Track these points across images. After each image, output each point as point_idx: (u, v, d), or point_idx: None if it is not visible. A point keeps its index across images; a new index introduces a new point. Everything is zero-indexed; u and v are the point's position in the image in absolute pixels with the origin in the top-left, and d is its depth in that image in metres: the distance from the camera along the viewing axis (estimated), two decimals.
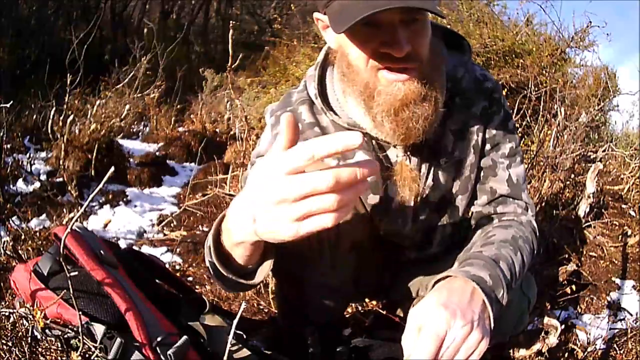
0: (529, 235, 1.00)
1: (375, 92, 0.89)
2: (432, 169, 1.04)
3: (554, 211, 2.23)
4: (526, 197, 1.08)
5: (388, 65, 0.86)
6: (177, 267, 2.05)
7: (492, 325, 0.80)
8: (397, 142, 0.96)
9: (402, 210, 1.08)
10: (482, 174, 1.08)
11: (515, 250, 0.93)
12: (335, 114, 1.01)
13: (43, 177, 2.89)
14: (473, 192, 1.09)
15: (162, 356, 0.75)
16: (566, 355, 1.34)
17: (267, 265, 0.85)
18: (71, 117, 3.06)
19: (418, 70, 0.87)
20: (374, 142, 1.01)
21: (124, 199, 2.93)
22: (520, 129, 2.70)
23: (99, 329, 0.76)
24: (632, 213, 2.42)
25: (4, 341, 0.82)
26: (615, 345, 1.39)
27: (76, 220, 0.68)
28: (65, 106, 3.21)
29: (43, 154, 3.32)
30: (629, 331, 1.42)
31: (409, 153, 1.00)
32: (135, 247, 2.14)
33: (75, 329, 0.77)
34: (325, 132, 1.04)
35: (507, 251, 0.92)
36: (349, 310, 1.60)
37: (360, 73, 0.90)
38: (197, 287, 1.79)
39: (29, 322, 0.81)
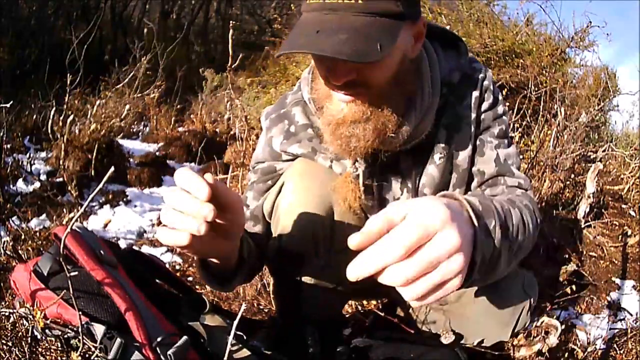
0: (528, 202, 0.94)
1: (325, 106, 0.93)
2: (426, 167, 1.04)
3: (554, 211, 2.23)
4: (518, 173, 1.04)
5: (335, 89, 0.88)
6: (177, 267, 2.05)
7: (477, 248, 0.70)
8: (339, 155, 0.99)
9: None
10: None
11: (513, 205, 0.86)
12: None
13: (43, 177, 2.89)
14: (468, 180, 1.08)
15: (162, 356, 0.75)
16: (566, 355, 1.34)
17: (238, 279, 0.97)
18: (71, 117, 3.06)
19: (366, 94, 0.87)
20: None
21: (124, 199, 2.93)
22: (520, 129, 2.70)
23: (99, 329, 0.76)
24: (632, 213, 2.42)
25: (4, 341, 0.82)
26: (615, 345, 1.39)
27: (76, 220, 0.68)
28: (65, 106, 3.22)
29: (43, 154, 3.32)
30: (629, 331, 1.42)
31: (357, 165, 1.00)
32: (135, 247, 2.14)
33: (75, 329, 0.77)
34: (319, 133, 1.05)
35: (500, 203, 0.84)
36: (349, 310, 1.60)
37: (321, 83, 0.93)
38: (197, 287, 1.79)
39: (29, 322, 0.81)
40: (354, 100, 0.88)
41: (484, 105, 1.04)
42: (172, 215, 0.71)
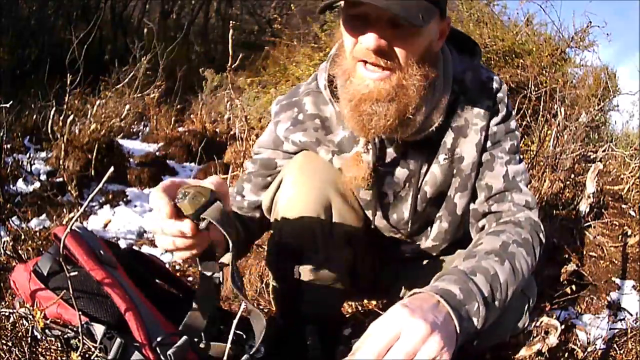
0: (527, 235, 0.97)
1: (348, 81, 0.93)
2: (431, 165, 1.05)
3: (554, 211, 2.23)
4: (525, 190, 1.06)
5: (364, 58, 0.89)
6: (177, 267, 2.05)
7: (458, 339, 0.77)
8: (355, 132, 0.99)
9: (396, 205, 1.09)
10: (480, 169, 1.06)
11: (501, 260, 0.89)
12: None
13: (43, 177, 2.89)
14: (473, 190, 1.08)
15: (161, 356, 0.75)
16: (566, 355, 1.34)
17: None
18: (71, 117, 3.06)
19: (393, 74, 0.89)
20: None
21: (124, 199, 2.93)
22: (520, 129, 2.70)
23: (98, 329, 0.76)
24: (632, 213, 2.42)
25: (4, 341, 0.82)
26: (615, 345, 1.39)
27: (76, 220, 0.68)
28: (65, 106, 3.22)
29: (43, 154, 3.32)
30: (629, 331, 1.42)
31: (369, 147, 1.01)
32: (135, 247, 2.14)
33: (75, 329, 0.77)
34: (326, 124, 1.06)
35: (488, 263, 0.88)
36: (349, 310, 1.60)
37: (345, 59, 0.93)
38: (196, 286, 1.79)
39: (29, 322, 0.81)
40: (382, 79, 0.89)
41: (497, 118, 1.05)
42: (155, 233, 0.78)
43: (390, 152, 1.03)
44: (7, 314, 0.85)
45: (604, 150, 2.91)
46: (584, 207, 2.16)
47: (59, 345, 0.79)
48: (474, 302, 0.81)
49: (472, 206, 1.09)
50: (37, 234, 1.97)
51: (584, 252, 1.99)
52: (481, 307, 0.82)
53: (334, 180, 1.04)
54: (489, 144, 1.06)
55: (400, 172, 1.06)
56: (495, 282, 0.87)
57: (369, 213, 1.10)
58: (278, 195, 1.06)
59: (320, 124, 1.06)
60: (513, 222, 1.00)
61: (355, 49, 0.89)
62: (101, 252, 0.89)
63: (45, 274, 0.86)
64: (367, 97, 0.90)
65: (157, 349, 0.76)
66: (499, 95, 1.05)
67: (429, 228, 1.14)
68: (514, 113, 1.09)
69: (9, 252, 1.53)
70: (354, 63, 0.91)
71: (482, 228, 1.07)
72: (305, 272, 1.09)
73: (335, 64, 0.99)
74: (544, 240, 1.01)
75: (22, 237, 1.88)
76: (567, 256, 1.88)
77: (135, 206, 2.87)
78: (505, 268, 0.89)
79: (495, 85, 1.05)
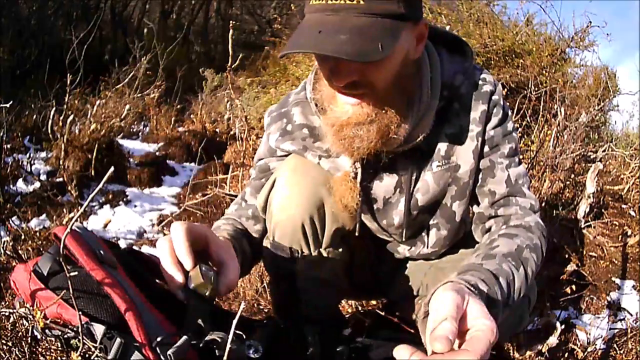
0: (537, 240, 0.97)
1: (329, 106, 0.94)
2: (423, 172, 1.04)
3: (554, 211, 2.23)
4: (529, 194, 1.05)
5: (337, 89, 0.90)
6: None
7: None
8: (340, 153, 1.00)
9: (386, 211, 1.09)
10: (480, 176, 1.05)
11: (517, 265, 0.89)
12: None
13: (43, 177, 2.89)
14: (472, 197, 1.07)
15: (162, 356, 0.75)
16: (566, 355, 1.34)
17: None
18: (71, 117, 3.06)
19: (370, 95, 0.88)
20: None
21: (124, 199, 2.93)
22: (520, 129, 2.70)
23: (99, 329, 0.76)
24: (632, 213, 2.42)
25: (4, 341, 0.82)
26: (615, 345, 1.39)
27: (76, 220, 0.68)
28: (65, 106, 3.21)
29: (43, 154, 3.32)
30: (629, 331, 1.42)
31: (357, 166, 1.01)
32: (135, 247, 2.14)
33: (75, 329, 0.77)
34: (315, 133, 1.06)
35: (508, 266, 0.87)
36: (349, 310, 1.60)
37: (325, 84, 0.94)
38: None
39: (29, 322, 0.81)
40: (359, 103, 0.89)
41: (493, 121, 1.03)
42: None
43: (378, 161, 1.03)
44: (7, 314, 0.85)
45: (604, 150, 2.92)
46: (584, 207, 2.16)
47: (59, 345, 0.79)
48: (495, 309, 0.79)
49: (475, 210, 1.08)
50: (37, 234, 1.97)
51: (584, 252, 1.99)
52: (500, 313, 0.81)
53: (325, 181, 1.04)
54: (486, 149, 1.04)
55: (389, 179, 1.05)
56: (512, 287, 0.86)
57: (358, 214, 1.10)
58: (272, 196, 1.06)
59: (308, 133, 1.06)
60: (524, 227, 0.99)
61: (329, 81, 0.90)
62: (101, 252, 0.89)
63: (45, 274, 0.86)
64: (347, 123, 0.90)
65: (157, 349, 0.76)
66: (494, 97, 1.03)
67: (424, 234, 1.14)
68: (510, 113, 1.07)
69: (9, 252, 1.53)
70: (333, 89, 0.91)
71: (489, 229, 1.06)
72: (300, 271, 1.10)
73: (316, 90, 0.99)
74: (544, 249, 1.01)
75: (22, 237, 1.88)
76: (567, 256, 1.88)
77: (135, 206, 2.87)
78: (521, 274, 0.89)
79: (489, 87, 1.03)
